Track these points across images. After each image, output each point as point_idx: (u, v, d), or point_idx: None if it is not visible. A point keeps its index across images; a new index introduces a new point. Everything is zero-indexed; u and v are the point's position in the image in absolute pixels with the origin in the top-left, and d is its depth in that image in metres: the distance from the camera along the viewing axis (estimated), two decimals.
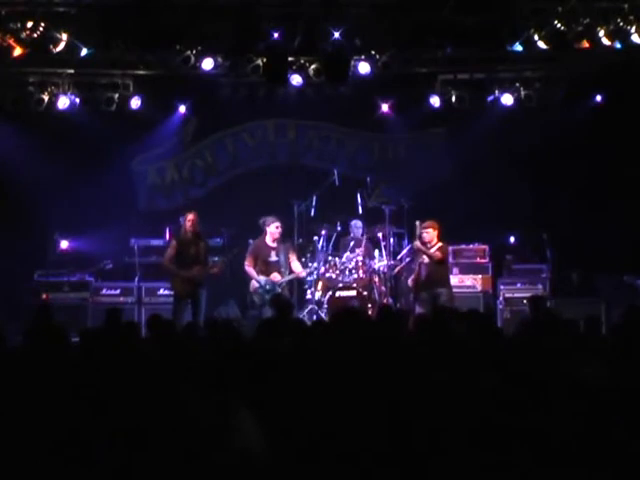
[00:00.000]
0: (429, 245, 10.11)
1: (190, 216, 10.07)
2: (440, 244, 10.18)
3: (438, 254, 10.02)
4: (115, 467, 3.37)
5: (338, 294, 10.95)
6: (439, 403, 3.80)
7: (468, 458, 3.39)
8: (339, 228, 11.63)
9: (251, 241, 11.45)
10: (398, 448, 3.39)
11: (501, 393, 3.96)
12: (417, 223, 10.26)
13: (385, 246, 11.28)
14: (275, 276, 10.44)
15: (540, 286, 11.63)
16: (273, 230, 10.53)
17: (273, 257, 10.52)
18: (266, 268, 10.47)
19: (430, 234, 10.14)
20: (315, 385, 4.04)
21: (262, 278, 10.41)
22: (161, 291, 11.50)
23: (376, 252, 11.41)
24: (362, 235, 11.55)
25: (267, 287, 10.37)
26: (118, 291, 11.66)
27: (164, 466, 2.96)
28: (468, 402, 3.79)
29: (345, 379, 4.13)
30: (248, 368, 4.33)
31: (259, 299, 10.42)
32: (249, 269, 10.50)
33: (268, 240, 10.56)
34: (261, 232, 10.73)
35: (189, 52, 11.10)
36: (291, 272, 10.61)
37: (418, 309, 9.88)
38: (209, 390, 3.79)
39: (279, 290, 10.42)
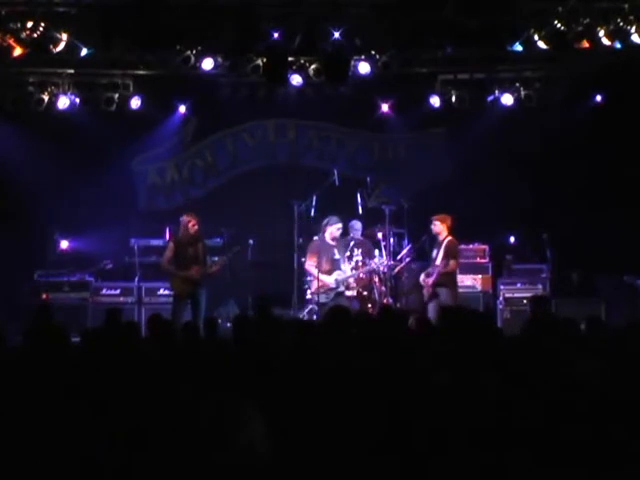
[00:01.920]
0: (439, 238, 10.47)
1: (192, 220, 10.00)
2: (449, 238, 10.47)
3: (452, 266, 10.34)
4: (115, 467, 3.37)
5: None
6: (439, 403, 3.80)
7: (468, 458, 3.39)
8: None
9: (251, 241, 11.46)
10: (398, 447, 3.39)
11: (501, 393, 3.96)
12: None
13: (385, 246, 11.27)
14: (339, 274, 10.42)
15: (540, 286, 11.63)
16: (334, 230, 10.55)
17: (337, 255, 10.53)
18: (332, 266, 10.47)
19: (437, 227, 10.52)
20: (315, 384, 4.04)
21: (327, 277, 10.39)
22: (161, 291, 11.49)
23: (376, 252, 11.39)
24: (362, 235, 11.53)
25: (338, 287, 10.41)
26: (118, 291, 11.66)
27: (165, 466, 2.96)
28: (468, 402, 3.79)
29: (345, 378, 4.13)
30: (250, 367, 4.34)
31: (325, 298, 10.39)
32: (313, 269, 10.48)
33: (327, 239, 10.54)
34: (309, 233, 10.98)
35: (189, 52, 11.10)
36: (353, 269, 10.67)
37: (430, 307, 10.17)
38: (212, 389, 3.79)
39: (342, 288, 10.43)
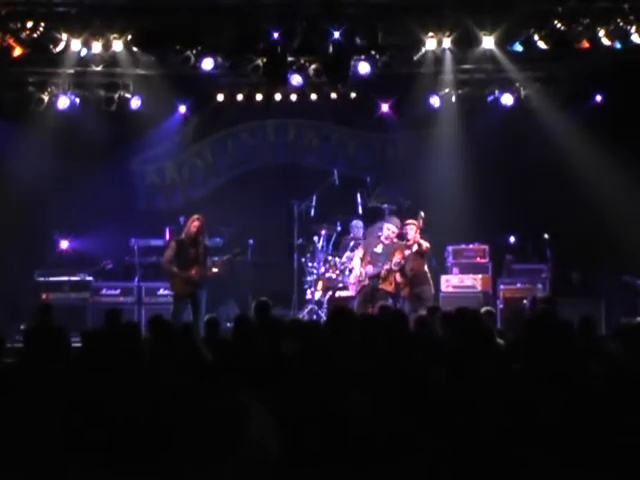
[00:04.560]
0: (409, 242, 10.32)
1: (196, 222, 9.96)
2: (419, 242, 10.36)
3: (424, 245, 10.21)
4: (115, 467, 3.37)
5: (338, 294, 10.94)
6: (439, 402, 3.80)
7: (468, 457, 3.39)
8: (339, 228, 11.63)
9: (251, 241, 11.49)
10: (400, 445, 3.40)
11: (499, 392, 3.96)
12: (422, 213, 10.25)
13: None
14: (368, 268, 10.38)
15: (540, 286, 11.61)
16: (385, 229, 10.44)
17: (378, 249, 10.41)
18: (370, 258, 10.39)
19: (413, 230, 10.32)
20: (319, 384, 4.04)
21: (359, 269, 10.40)
22: (161, 291, 11.49)
23: None
24: (362, 235, 11.53)
25: (364, 280, 10.36)
26: (118, 291, 11.66)
27: (166, 465, 2.96)
28: (467, 401, 3.80)
29: (348, 378, 4.14)
30: (255, 368, 4.34)
31: (360, 290, 10.39)
32: (356, 259, 10.52)
33: (382, 236, 10.44)
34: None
35: (189, 52, 11.09)
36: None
37: (406, 307, 9.99)
38: (222, 389, 3.79)
39: (366, 282, 10.36)
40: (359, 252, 10.57)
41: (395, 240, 10.36)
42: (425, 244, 10.15)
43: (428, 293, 10.22)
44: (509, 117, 12.33)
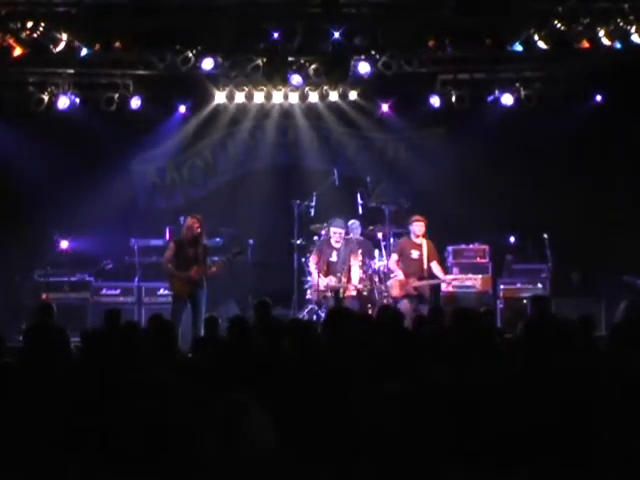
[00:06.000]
0: (417, 240, 10.54)
1: (195, 222, 9.96)
2: (428, 241, 10.57)
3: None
4: (115, 467, 3.37)
5: None
6: (439, 402, 3.80)
7: (468, 456, 3.39)
8: None
9: (251, 241, 11.48)
10: (400, 445, 3.40)
11: (499, 392, 3.96)
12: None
13: (385, 246, 11.27)
14: (330, 279, 10.44)
15: (540, 286, 11.62)
16: (330, 233, 10.63)
17: (333, 258, 10.52)
18: (327, 268, 10.50)
19: (423, 227, 10.54)
20: (319, 384, 4.04)
21: (321, 280, 10.46)
22: (161, 291, 11.48)
23: (376, 252, 11.38)
24: (361, 234, 11.52)
25: (326, 291, 10.43)
26: (118, 291, 11.65)
27: (166, 465, 2.97)
28: (467, 401, 3.80)
29: (348, 378, 4.14)
30: (253, 367, 4.35)
31: (318, 298, 10.45)
32: (312, 267, 10.59)
33: (332, 240, 10.59)
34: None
35: (189, 52, 11.10)
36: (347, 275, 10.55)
37: (405, 306, 10.03)
38: (218, 388, 3.79)
39: (328, 293, 10.44)
40: (313, 258, 10.65)
41: (346, 237, 10.59)
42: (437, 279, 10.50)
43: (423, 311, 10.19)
44: (509, 117, 12.33)
